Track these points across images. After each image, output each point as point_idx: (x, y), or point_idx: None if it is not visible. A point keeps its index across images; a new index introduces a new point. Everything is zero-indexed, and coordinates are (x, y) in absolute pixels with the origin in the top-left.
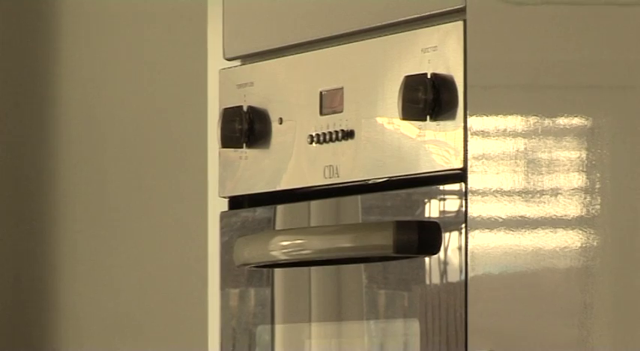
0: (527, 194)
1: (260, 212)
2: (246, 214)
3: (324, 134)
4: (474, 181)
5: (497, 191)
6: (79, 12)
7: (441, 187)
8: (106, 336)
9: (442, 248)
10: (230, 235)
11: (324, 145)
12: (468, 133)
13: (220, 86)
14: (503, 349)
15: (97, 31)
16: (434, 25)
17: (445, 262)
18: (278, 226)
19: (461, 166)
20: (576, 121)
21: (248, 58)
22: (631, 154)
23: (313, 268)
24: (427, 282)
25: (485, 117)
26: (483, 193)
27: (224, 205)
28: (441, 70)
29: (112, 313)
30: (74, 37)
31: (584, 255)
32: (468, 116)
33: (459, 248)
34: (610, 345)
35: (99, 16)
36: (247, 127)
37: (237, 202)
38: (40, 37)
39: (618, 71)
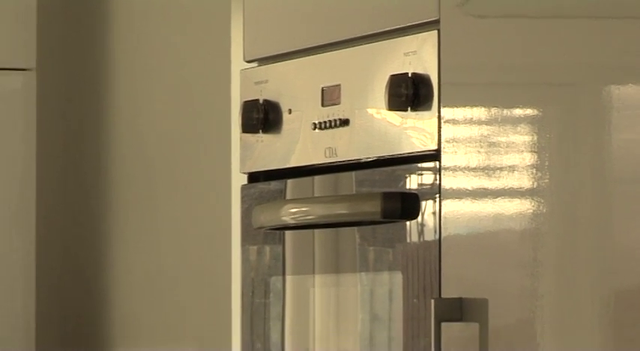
0: (489, 170)
1: (273, 185)
2: (262, 186)
3: (325, 122)
4: (446, 159)
5: (465, 168)
6: (124, 17)
7: (420, 165)
8: (147, 287)
9: (420, 214)
10: (249, 204)
11: (325, 131)
12: (442, 121)
13: (241, 83)
14: (470, 295)
15: (140, 37)
16: (414, 34)
17: (422, 225)
18: (288, 196)
19: (435, 147)
20: (528, 111)
21: (263, 61)
22: (573, 138)
23: (316, 231)
24: (408, 241)
25: (455, 108)
26: (454, 170)
27: (244, 179)
28: (419, 70)
29: (153, 266)
30: (121, 40)
31: (534, 219)
32: (441, 107)
33: (434, 214)
34: (555, 291)
35: (141, 23)
36: (263, 117)
37: (254, 177)
38: (89, 42)
39: (562, 71)
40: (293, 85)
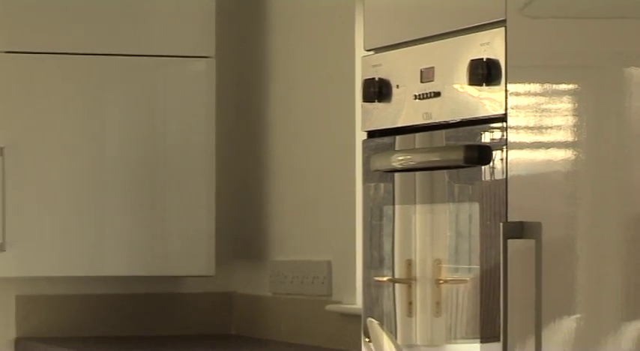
0: (541, 129)
1: (386, 140)
2: (377, 141)
3: (422, 94)
4: (511, 121)
5: (524, 127)
6: (279, 15)
7: (491, 125)
8: (295, 211)
9: (492, 160)
10: (368, 153)
11: (423, 100)
12: (508, 93)
13: (362, 66)
14: (528, 219)
15: (290, 31)
16: (487, 30)
17: (493, 168)
18: (396, 148)
19: (503, 112)
20: (570, 86)
21: (378, 50)
22: (602, 105)
23: (417, 173)
24: (483, 180)
25: (517, 84)
26: (516, 128)
27: (365, 136)
28: (491, 56)
29: (300, 197)
30: (276, 34)
31: (575, 164)
32: (507, 83)
33: (502, 160)
34: (589, 216)
35: (291, 20)
36: (378, 90)
37: (372, 134)
38: (255, 33)
39: (594, 57)
40: (399, 67)
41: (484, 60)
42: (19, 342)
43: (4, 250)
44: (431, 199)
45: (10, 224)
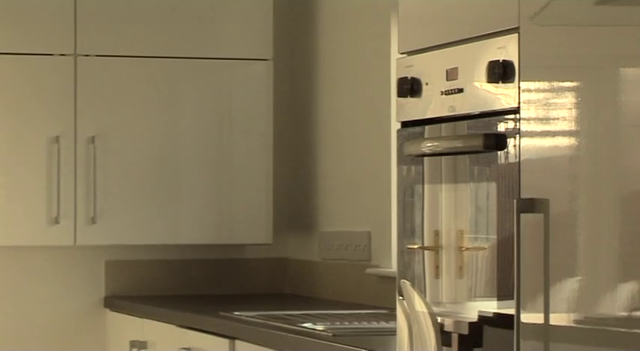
0: (548, 119)
1: (416, 129)
2: (409, 130)
3: (448, 90)
4: (523, 113)
5: (534, 118)
6: (326, 21)
7: (506, 116)
8: (340, 187)
9: (507, 146)
10: (402, 140)
11: (448, 95)
12: (520, 89)
13: (397, 67)
14: (538, 196)
15: (338, 35)
16: (503, 36)
17: (508, 153)
18: (425, 136)
19: (516, 105)
20: (572, 83)
21: (410, 53)
22: (600, 100)
23: (443, 157)
24: (499, 163)
25: (529, 82)
26: (527, 119)
27: (399, 125)
28: (507, 58)
29: (346, 175)
30: (324, 37)
31: (576, 149)
32: (520, 81)
33: (515, 146)
34: (589, 194)
35: (339, 24)
36: (410, 87)
37: (405, 124)
38: (306, 37)
39: (593, 59)
40: (428, 68)
41: (500, 61)
42: (107, 299)
43: (95, 223)
44: (454, 179)
45: (100, 200)
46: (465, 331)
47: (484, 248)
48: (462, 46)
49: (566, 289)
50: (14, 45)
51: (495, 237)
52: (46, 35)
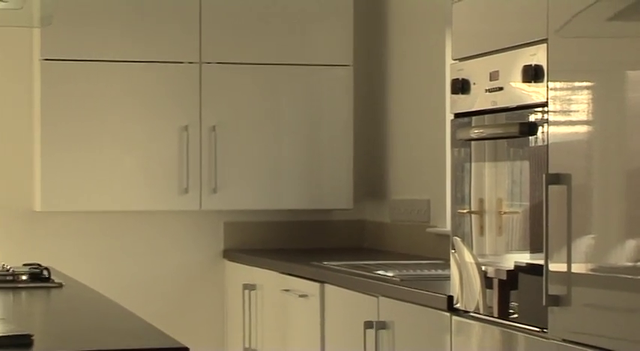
0: (570, 112)
1: (466, 119)
2: (460, 120)
3: (491, 89)
4: (550, 106)
5: (559, 110)
6: (394, 28)
7: (537, 109)
8: (404, 164)
9: (537, 132)
10: (455, 129)
11: (491, 92)
12: (549, 88)
13: (451, 70)
14: (562, 171)
15: (406, 41)
16: (535, 45)
17: (537, 138)
18: (473, 124)
19: (545, 100)
20: (588, 83)
21: (462, 59)
22: (609, 95)
23: (486, 141)
24: (531, 145)
25: (555, 82)
26: (554, 111)
27: (452, 116)
28: (538, 63)
29: (409, 153)
30: (395, 43)
31: (590, 134)
32: (549, 81)
33: (543, 133)
34: (601, 171)
35: (406, 30)
36: (461, 86)
37: (457, 115)
38: (379, 43)
39: (601, 62)
40: (475, 71)
41: (533, 65)
42: (225, 252)
43: (216, 192)
44: (495, 158)
45: (220, 175)
46: (504, 277)
47: (518, 212)
48: (502, 53)
49: (585, 244)
50: (152, 55)
51: (528, 204)
52: (176, 47)
